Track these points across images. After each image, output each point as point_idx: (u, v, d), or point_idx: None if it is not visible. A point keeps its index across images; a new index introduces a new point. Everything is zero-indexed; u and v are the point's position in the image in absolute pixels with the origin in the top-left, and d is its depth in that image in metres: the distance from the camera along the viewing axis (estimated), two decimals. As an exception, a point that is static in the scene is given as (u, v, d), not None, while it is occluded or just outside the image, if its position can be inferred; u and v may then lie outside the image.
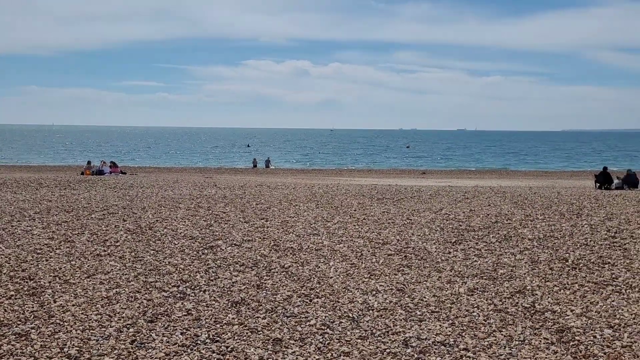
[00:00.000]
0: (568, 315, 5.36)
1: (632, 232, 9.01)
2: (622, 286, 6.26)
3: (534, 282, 6.46)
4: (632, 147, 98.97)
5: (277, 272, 6.83)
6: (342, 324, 5.18)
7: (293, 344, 4.71)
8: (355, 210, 11.23)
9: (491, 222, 9.92)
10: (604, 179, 23.63)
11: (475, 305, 5.68)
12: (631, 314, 5.36)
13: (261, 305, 5.65)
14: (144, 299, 5.76)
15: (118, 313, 5.32)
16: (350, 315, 5.40)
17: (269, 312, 5.44)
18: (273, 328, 5.04)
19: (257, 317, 5.30)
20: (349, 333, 4.96)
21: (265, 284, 6.37)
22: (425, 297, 5.93)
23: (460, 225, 9.58)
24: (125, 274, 6.62)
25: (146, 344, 4.61)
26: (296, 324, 5.15)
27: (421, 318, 5.33)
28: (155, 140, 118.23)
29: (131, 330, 4.90)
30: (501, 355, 4.51)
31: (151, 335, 4.80)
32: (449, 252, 7.83)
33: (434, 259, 7.49)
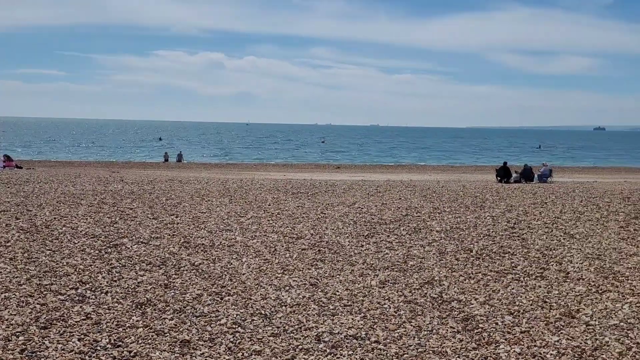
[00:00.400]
0: (472, 304, 5.57)
1: (529, 223, 9.59)
2: (521, 274, 6.62)
3: (441, 272, 6.68)
4: (529, 143, 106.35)
5: (186, 270, 6.56)
6: (254, 321, 5.05)
7: (202, 345, 4.51)
8: (269, 205, 11.10)
9: (402, 215, 10.17)
10: (504, 173, 25.15)
11: (387, 298, 5.76)
12: (529, 301, 5.67)
13: (169, 305, 5.39)
14: (37, 303, 5.29)
15: (6, 320, 4.84)
16: (263, 312, 5.28)
17: (177, 313, 5.20)
18: (181, 329, 4.81)
19: (164, 319, 5.04)
20: (260, 331, 4.85)
21: (173, 283, 6.09)
22: (338, 291, 5.94)
23: (373, 219, 9.74)
24: (17, 277, 6.06)
25: (38, 353, 4.22)
26: (206, 323, 4.95)
27: (334, 312, 5.31)
28: (57, 132, 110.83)
29: (21, 338, 4.47)
30: (410, 345, 4.58)
31: (44, 343, 4.41)
32: (362, 246, 7.92)
33: (347, 253, 7.54)
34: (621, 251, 7.68)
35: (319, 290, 5.98)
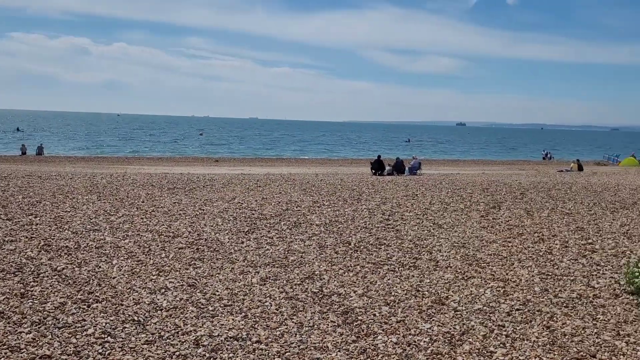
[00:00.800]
0: (352, 297, 5.69)
1: (402, 215, 10.07)
2: (396, 265, 6.90)
3: (321, 266, 6.75)
4: (400, 137, 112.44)
5: (47, 277, 5.94)
6: (126, 329, 4.71)
7: (65, 359, 4.10)
8: (143, 202, 10.49)
9: (282, 209, 10.16)
10: (378, 166, 26.32)
11: (268, 295, 5.69)
12: (403, 290, 5.92)
13: (26, 317, 4.83)
14: None
15: None
16: (136, 318, 4.94)
17: (36, 325, 4.68)
18: (40, 343, 4.34)
19: (20, 332, 4.51)
20: (133, 339, 4.53)
21: (32, 291, 5.49)
22: (218, 291, 5.75)
23: (253, 214, 9.61)
24: None
25: None
26: (70, 335, 4.51)
27: (213, 314, 5.13)
28: None
29: None
30: (292, 343, 4.56)
31: None
32: (242, 242, 7.77)
33: (227, 250, 7.34)
34: (482, 239, 8.33)
35: (198, 291, 5.74)
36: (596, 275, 6.54)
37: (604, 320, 5.12)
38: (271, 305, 5.38)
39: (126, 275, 6.14)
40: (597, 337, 4.71)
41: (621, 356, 4.36)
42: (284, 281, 6.15)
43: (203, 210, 9.88)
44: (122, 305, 5.25)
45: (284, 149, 63.51)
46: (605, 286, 6.12)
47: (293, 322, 4.99)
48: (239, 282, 6.06)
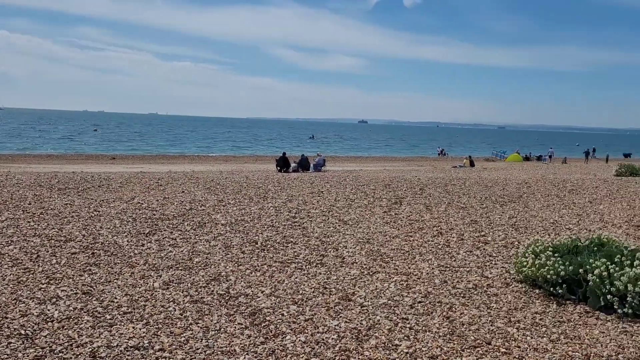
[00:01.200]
0: (259, 297, 5.61)
1: (308, 212, 10.13)
2: (303, 263, 6.91)
3: (228, 267, 6.59)
4: (304, 134, 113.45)
5: None
6: (12, 344, 4.30)
7: (-62, 384, 3.66)
8: (29, 204, 9.68)
9: (186, 209, 9.83)
10: (283, 163, 26.37)
11: (171, 299, 5.45)
12: (311, 288, 5.94)
13: None
14: None
15: None
16: (23, 332, 4.52)
17: None
18: None
19: None
20: (20, 355, 4.14)
21: None
22: (116, 298, 5.41)
23: (154, 215, 9.20)
24: None
25: None
26: (-57, 356, 4.03)
27: (112, 322, 4.82)
28: None
29: None
30: (198, 349, 4.40)
31: None
32: (143, 245, 7.40)
33: (126, 254, 6.95)
34: (386, 234, 8.58)
35: (94, 298, 5.37)
36: (489, 265, 6.97)
37: (497, 308, 5.45)
38: (175, 310, 5.16)
39: (11, 285, 5.61)
40: (491, 325, 5.01)
41: (513, 341, 4.67)
42: (189, 284, 5.93)
43: (99, 211, 9.30)
44: (6, 318, 4.79)
45: (187, 145, 61.74)
46: (497, 276, 6.53)
47: (198, 326, 4.82)
48: (140, 288, 5.76)
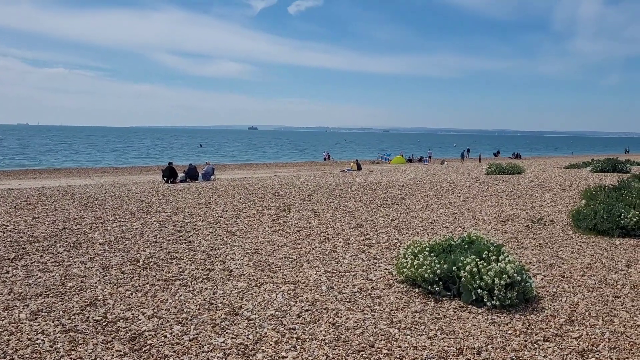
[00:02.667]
0: (140, 320, 5.32)
1: (195, 225, 9.84)
2: (188, 279, 6.68)
3: (105, 290, 6.19)
4: (192, 142, 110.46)
5: None
6: None
7: None
8: None
9: (58, 229, 9.10)
10: (169, 174, 25.46)
11: (40, 331, 5.00)
12: (196, 305, 5.75)
13: None
14: None
15: None
16: None
17: None
18: None
19: None
20: None
21: None
22: (-27, 335, 4.85)
23: (21, 237, 8.42)
24: None
25: None
26: None
27: (-33, 364, 4.31)
28: None
29: None
30: (70, 383, 4.06)
31: None
32: (7, 272, 6.72)
33: (-13, 283, 6.27)
34: (274, 243, 8.57)
35: (-54, 338, 4.77)
36: (373, 268, 7.22)
37: (380, 310, 5.65)
38: (44, 343, 4.74)
39: None
40: (375, 327, 5.17)
41: (394, 342, 4.85)
42: (60, 312, 5.48)
43: (-46, 237, 8.32)
44: None
45: (62, 158, 57.52)
46: (381, 278, 6.77)
47: (71, 358, 4.46)
48: (3, 320, 5.22)
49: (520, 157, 63.15)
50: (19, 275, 6.62)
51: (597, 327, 5.20)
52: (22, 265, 7.04)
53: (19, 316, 5.34)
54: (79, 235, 8.70)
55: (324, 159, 63.49)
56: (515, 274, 5.71)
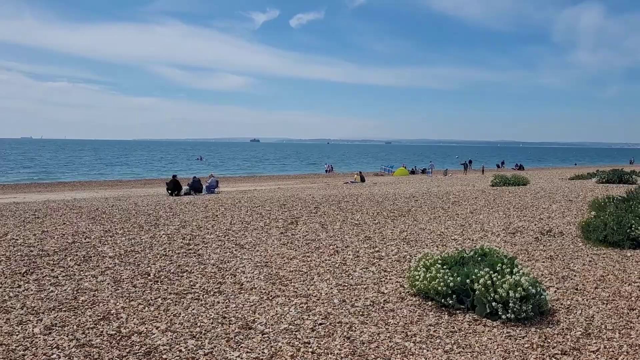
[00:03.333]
0: (154, 334, 5.31)
1: (203, 237, 9.84)
2: (200, 292, 6.67)
3: (118, 304, 6.18)
4: (194, 155, 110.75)
5: None
6: None
7: None
8: None
9: (68, 242, 9.11)
10: (174, 186, 25.50)
11: (55, 345, 4.98)
12: (210, 319, 5.73)
13: None
14: None
15: None
16: None
17: None
18: None
19: None
20: None
21: None
22: (-12, 350, 4.84)
23: (32, 251, 8.42)
24: None
25: None
26: None
27: (-16, 379, 4.30)
28: None
29: None
30: (88, 399, 4.04)
31: None
32: (19, 286, 6.72)
33: (0, 298, 6.27)
34: (284, 256, 8.56)
35: (-39, 353, 4.76)
36: (384, 281, 7.19)
37: (394, 323, 5.62)
38: (59, 358, 4.72)
39: None
40: (390, 341, 5.15)
41: (411, 356, 4.83)
42: (74, 326, 5.47)
43: (-35, 251, 8.33)
44: None
45: (65, 172, 57.68)
46: (393, 291, 6.75)
47: (87, 373, 4.45)
48: (17, 335, 5.20)
49: (523, 169, 63.12)
50: (31, 290, 6.62)
51: (615, 340, 5.17)
52: (33, 279, 7.04)
53: (33, 331, 5.33)
54: (88, 249, 8.71)
55: (326, 171, 63.54)
56: (530, 287, 5.69)
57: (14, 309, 5.94)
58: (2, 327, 5.40)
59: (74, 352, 4.86)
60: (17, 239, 9.28)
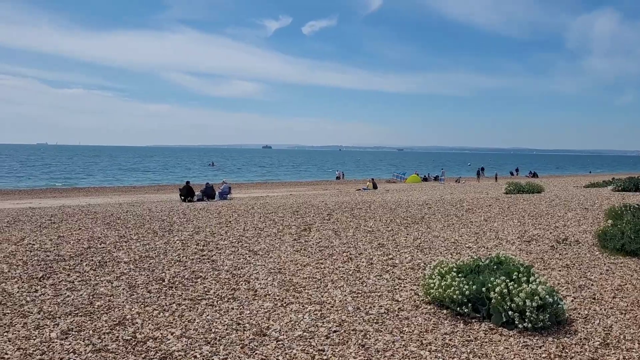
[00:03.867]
0: (169, 339, 5.33)
1: (217, 244, 9.87)
2: (214, 298, 6.69)
3: (133, 309, 6.21)
4: (206, 161, 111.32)
5: None
6: None
7: None
8: None
9: (84, 248, 9.19)
10: (187, 192, 25.65)
11: (72, 350, 5.02)
12: (224, 325, 5.74)
13: None
14: None
15: None
16: None
17: None
18: None
19: None
20: None
21: None
22: (7, 353, 4.90)
23: (48, 256, 8.51)
24: None
25: None
26: None
27: (2, 383, 4.34)
28: None
29: None
30: (104, 404, 4.06)
31: None
32: (36, 291, 6.79)
33: (17, 302, 6.34)
34: (297, 263, 8.55)
35: (-20, 357, 4.82)
36: (399, 289, 7.16)
37: (409, 331, 5.59)
38: (76, 363, 4.76)
39: None
40: (405, 349, 5.12)
41: (426, 364, 4.80)
42: (90, 331, 5.51)
43: (-17, 255, 8.44)
44: None
45: (81, 177, 58.27)
46: (407, 298, 6.71)
47: (103, 378, 4.48)
48: (35, 339, 5.25)
49: (537, 176, 62.60)
50: (48, 294, 6.68)
51: (634, 350, 5.09)
52: (50, 284, 7.11)
53: (49, 335, 5.38)
54: (104, 254, 8.77)
55: (337, 177, 63.52)
56: (547, 296, 5.63)
57: (31, 313, 6.00)
58: (19, 331, 5.46)
59: (90, 357, 4.89)
60: (34, 244, 9.39)
